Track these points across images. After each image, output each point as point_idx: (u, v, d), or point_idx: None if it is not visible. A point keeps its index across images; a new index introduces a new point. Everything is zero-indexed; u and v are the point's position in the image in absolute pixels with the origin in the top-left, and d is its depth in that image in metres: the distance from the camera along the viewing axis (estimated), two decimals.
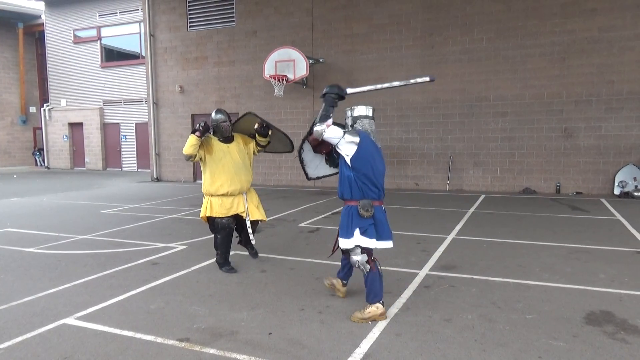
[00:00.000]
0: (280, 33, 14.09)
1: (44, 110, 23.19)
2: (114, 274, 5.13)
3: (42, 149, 23.86)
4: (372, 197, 3.78)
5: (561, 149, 11.68)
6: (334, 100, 3.87)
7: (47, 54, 22.97)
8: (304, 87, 13.86)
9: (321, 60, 13.58)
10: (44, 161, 23.82)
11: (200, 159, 5.11)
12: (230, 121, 5.14)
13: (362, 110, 3.89)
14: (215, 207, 5.09)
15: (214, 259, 5.51)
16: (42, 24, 23.24)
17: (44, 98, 24.54)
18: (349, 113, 3.95)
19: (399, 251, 6.03)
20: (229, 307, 4.10)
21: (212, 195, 5.11)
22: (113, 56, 21.61)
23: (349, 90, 3.97)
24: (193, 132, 4.94)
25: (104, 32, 21.40)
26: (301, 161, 4.41)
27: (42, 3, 22.60)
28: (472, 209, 9.39)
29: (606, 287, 4.52)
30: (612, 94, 11.17)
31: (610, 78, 11.15)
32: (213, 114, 5.13)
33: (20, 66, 24.17)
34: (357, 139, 3.70)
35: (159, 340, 3.46)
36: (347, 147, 3.72)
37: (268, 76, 12.86)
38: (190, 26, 15.58)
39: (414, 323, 3.72)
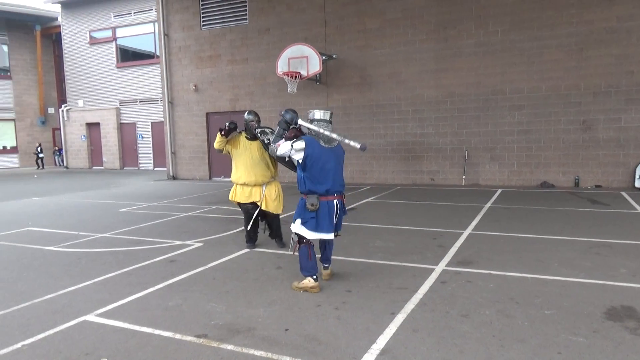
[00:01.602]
0: (293, 30, 14.08)
1: (62, 110, 23.58)
2: (133, 272, 5.20)
3: (61, 149, 24.28)
4: (320, 193, 4.31)
5: (580, 142, 11.49)
6: (287, 125, 4.54)
7: (64, 56, 23.33)
8: (318, 83, 13.85)
9: (334, 56, 13.55)
10: (62, 161, 24.24)
11: (228, 152, 5.92)
12: (259, 121, 5.91)
13: (319, 114, 4.40)
14: (238, 193, 5.94)
15: (230, 256, 5.68)
16: (59, 26, 23.61)
17: (62, 99, 24.96)
18: (310, 115, 4.45)
19: (415, 247, 6.01)
20: (245, 304, 4.13)
21: (236, 184, 5.95)
22: (128, 56, 21.86)
23: (299, 122, 4.53)
24: (220, 130, 5.73)
25: (119, 32, 21.66)
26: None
27: (59, 5, 22.94)
28: (488, 204, 9.30)
29: (627, 282, 4.44)
30: (632, 85, 10.93)
31: (629, 68, 10.92)
32: (245, 114, 5.91)
33: (38, 68, 24.59)
34: (302, 145, 4.29)
35: (178, 336, 3.50)
36: (297, 155, 4.34)
37: (281, 73, 12.86)
38: (203, 25, 15.66)
39: (430, 319, 3.70)
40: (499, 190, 11.29)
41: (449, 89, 12.56)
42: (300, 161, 4.33)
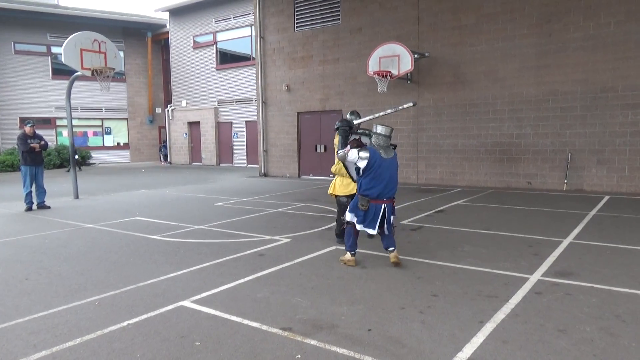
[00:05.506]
0: (385, 29, 13.97)
1: (168, 110, 25.57)
2: (225, 263, 5.49)
3: (165, 146, 26.30)
4: (371, 197, 5.09)
5: None
6: (347, 132, 5.44)
7: (170, 59, 25.27)
8: (409, 82, 13.62)
9: (426, 54, 13.23)
10: (166, 157, 26.24)
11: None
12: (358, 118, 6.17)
13: (381, 129, 5.17)
14: (337, 186, 6.20)
15: (316, 253, 5.77)
16: (167, 32, 25.58)
17: (168, 99, 27.04)
18: (373, 129, 5.23)
19: (508, 254, 5.69)
20: (329, 301, 4.18)
21: (337, 176, 6.25)
22: (227, 59, 23.06)
23: (355, 122, 5.58)
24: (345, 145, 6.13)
25: (219, 36, 22.93)
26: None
27: (167, 13, 24.88)
28: (593, 211, 8.54)
29: None
30: None
31: None
32: (348, 115, 6.26)
33: (148, 71, 26.86)
34: (367, 154, 5.07)
35: (264, 327, 3.64)
36: (361, 162, 5.10)
37: (372, 72, 12.82)
38: (297, 27, 16.08)
39: (523, 331, 3.49)
40: (607, 197, 10.32)
41: (551, 86, 11.71)
42: (361, 168, 5.09)
